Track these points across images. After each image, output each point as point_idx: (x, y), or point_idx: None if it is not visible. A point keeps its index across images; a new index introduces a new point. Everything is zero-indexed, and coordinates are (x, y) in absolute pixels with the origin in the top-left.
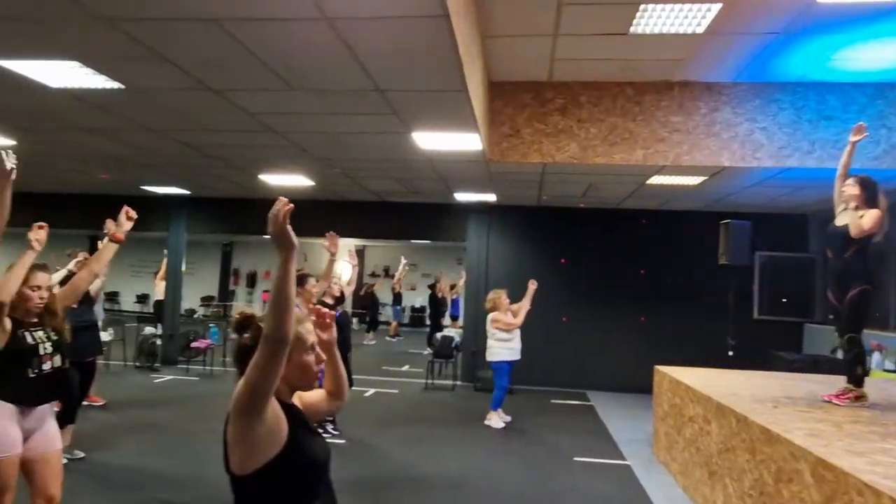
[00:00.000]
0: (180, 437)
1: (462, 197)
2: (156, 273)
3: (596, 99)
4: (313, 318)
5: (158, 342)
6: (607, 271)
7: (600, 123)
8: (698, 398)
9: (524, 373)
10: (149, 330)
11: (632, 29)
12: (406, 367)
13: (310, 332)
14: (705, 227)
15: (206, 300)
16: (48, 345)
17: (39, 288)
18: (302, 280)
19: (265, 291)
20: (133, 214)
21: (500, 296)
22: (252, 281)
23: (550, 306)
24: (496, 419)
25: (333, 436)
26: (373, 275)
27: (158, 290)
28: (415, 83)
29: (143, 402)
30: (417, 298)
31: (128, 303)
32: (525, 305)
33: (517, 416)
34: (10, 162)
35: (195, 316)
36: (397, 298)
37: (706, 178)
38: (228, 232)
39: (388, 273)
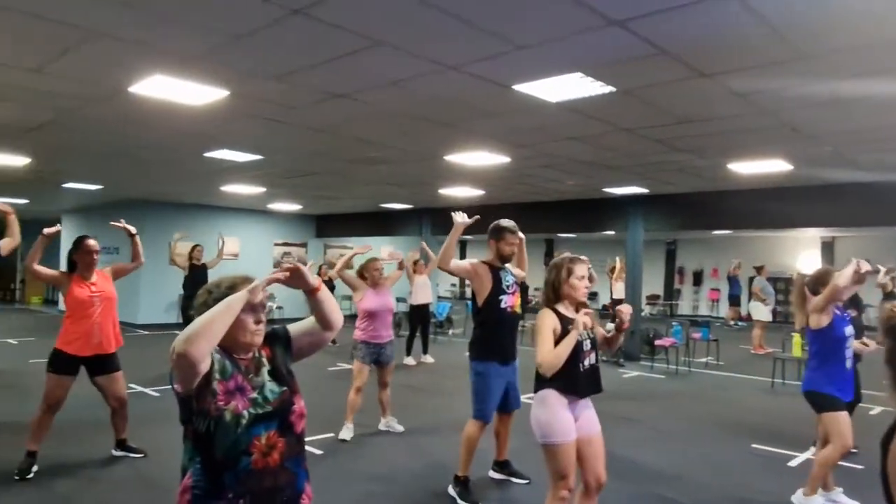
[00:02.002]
0: (655, 432)
1: None
2: (611, 271)
3: None
4: None
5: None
6: None
7: None
8: None
9: None
10: (609, 326)
11: None
12: None
13: None
14: None
15: (652, 298)
16: (588, 342)
17: (583, 278)
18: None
19: (712, 289)
20: None
21: None
22: (698, 279)
23: None
24: None
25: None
26: None
27: (616, 289)
28: None
29: (615, 396)
30: None
31: None
32: None
33: None
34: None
35: (641, 314)
36: (889, 298)
37: None
38: (682, 228)
39: None
